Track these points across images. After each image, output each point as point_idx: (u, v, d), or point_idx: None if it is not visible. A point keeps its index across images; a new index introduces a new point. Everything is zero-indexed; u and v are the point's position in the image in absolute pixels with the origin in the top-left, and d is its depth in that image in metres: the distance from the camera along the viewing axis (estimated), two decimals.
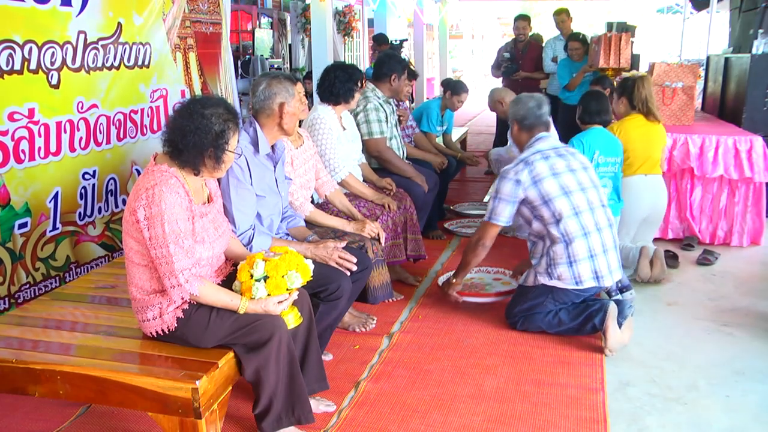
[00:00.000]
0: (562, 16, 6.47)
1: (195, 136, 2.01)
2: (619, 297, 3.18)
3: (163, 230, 1.95)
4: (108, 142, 3.32)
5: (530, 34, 7.02)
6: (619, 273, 3.02)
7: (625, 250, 3.70)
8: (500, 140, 6.49)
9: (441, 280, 3.52)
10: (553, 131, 3.28)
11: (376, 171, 3.89)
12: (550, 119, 3.13)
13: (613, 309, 2.84)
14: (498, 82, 7.31)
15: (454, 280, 3.24)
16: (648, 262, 3.63)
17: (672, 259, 3.98)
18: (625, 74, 4.97)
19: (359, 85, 3.53)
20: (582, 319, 2.92)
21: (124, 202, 3.44)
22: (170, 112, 3.76)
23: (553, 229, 2.90)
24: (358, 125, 3.86)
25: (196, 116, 2.02)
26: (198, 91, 4.05)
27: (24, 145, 2.81)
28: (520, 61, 6.73)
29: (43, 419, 2.41)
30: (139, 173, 3.55)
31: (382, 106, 3.97)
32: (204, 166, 2.08)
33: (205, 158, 2.06)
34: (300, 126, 3.53)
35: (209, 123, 2.03)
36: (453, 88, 5.05)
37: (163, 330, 2.08)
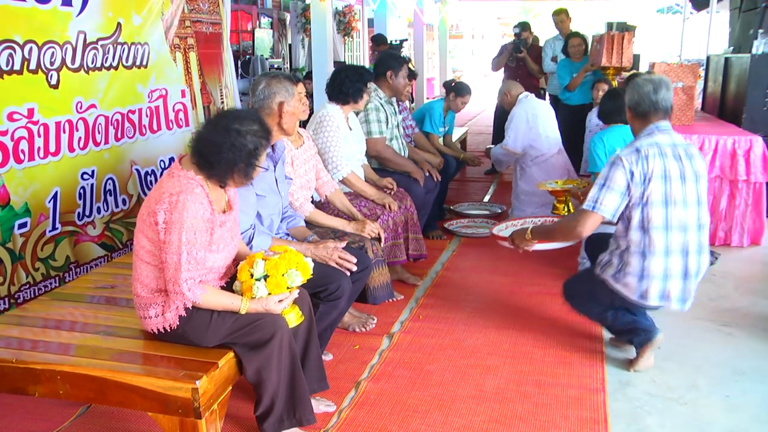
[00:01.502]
0: (561, 16, 6.48)
1: (230, 153, 2.01)
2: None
3: (179, 238, 1.95)
4: (106, 142, 3.31)
5: (532, 38, 7.05)
6: (690, 302, 2.73)
7: None
8: (498, 137, 6.49)
9: (502, 230, 3.23)
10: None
11: (375, 171, 3.90)
12: (671, 105, 2.78)
13: (658, 340, 2.74)
14: (498, 77, 7.33)
15: (529, 237, 2.93)
16: None
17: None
18: (626, 74, 4.97)
19: (368, 85, 3.54)
20: (627, 329, 2.80)
21: (124, 202, 3.44)
22: (170, 112, 3.77)
23: (636, 234, 2.64)
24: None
25: (232, 133, 2.02)
26: (197, 91, 4.04)
27: (23, 145, 2.81)
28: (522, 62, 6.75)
29: (43, 419, 2.41)
30: (138, 173, 3.54)
31: (383, 106, 3.97)
32: (232, 180, 2.10)
33: (235, 174, 2.07)
34: (306, 123, 3.55)
35: (244, 141, 2.03)
36: (457, 90, 5.06)
37: (164, 327, 2.07)
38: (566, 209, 3.77)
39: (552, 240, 2.90)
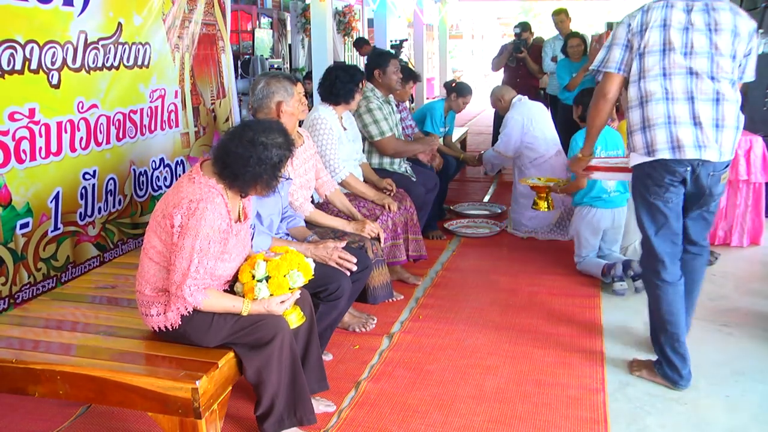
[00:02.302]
0: (561, 16, 6.48)
1: (256, 166, 2.02)
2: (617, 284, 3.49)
3: (192, 245, 1.96)
4: (108, 142, 3.31)
5: (532, 38, 7.05)
6: (715, 152, 2.38)
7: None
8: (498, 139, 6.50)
9: None
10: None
11: (375, 171, 3.90)
12: None
13: (681, 389, 2.59)
14: (498, 77, 7.34)
15: (580, 155, 2.83)
16: None
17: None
18: None
19: (360, 86, 3.53)
20: (669, 353, 2.58)
21: (119, 202, 3.43)
22: (165, 112, 3.76)
23: (633, 89, 2.47)
24: (366, 126, 3.87)
25: (258, 147, 2.02)
26: (188, 92, 4.01)
27: (25, 145, 2.81)
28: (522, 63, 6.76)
29: (43, 419, 2.41)
30: (134, 173, 3.53)
31: (382, 105, 3.97)
32: (254, 190, 2.11)
33: (258, 185, 2.08)
34: (300, 126, 3.54)
35: (270, 154, 2.03)
36: (459, 90, 5.08)
37: (166, 326, 2.07)
38: (546, 205, 3.78)
39: (593, 128, 2.71)
